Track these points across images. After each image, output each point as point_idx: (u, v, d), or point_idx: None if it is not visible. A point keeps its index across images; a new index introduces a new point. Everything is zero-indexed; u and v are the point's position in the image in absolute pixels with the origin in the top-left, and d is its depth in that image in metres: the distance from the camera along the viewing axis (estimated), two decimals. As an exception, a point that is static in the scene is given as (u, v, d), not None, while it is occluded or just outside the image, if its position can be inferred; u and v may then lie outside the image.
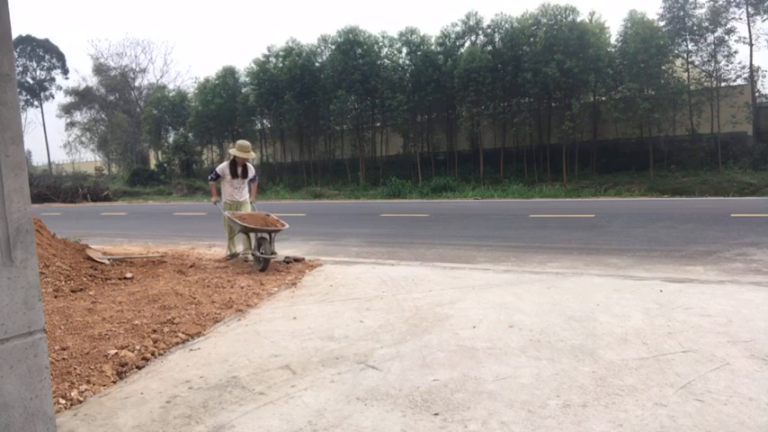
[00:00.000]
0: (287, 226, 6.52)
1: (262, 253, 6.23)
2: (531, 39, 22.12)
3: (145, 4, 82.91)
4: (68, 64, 45.17)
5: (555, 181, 22.04)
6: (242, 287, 5.41)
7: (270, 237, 6.33)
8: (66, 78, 46.01)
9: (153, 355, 3.57)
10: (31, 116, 70.25)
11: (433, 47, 24.61)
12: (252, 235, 6.64)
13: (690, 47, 21.54)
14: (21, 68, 42.56)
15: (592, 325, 3.81)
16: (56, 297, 4.90)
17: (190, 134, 33.09)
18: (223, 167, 7.14)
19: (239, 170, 7.12)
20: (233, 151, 7.15)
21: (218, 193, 7.50)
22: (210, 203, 7.44)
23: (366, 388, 2.88)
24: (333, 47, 26.27)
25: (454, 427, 2.41)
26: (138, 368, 3.36)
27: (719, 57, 21.18)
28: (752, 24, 21.13)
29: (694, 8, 21.08)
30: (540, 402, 2.62)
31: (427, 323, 4.01)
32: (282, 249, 8.47)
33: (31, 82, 43.64)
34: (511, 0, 30.85)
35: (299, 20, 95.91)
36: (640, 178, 20.43)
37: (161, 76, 44.24)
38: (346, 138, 28.49)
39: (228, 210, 7.07)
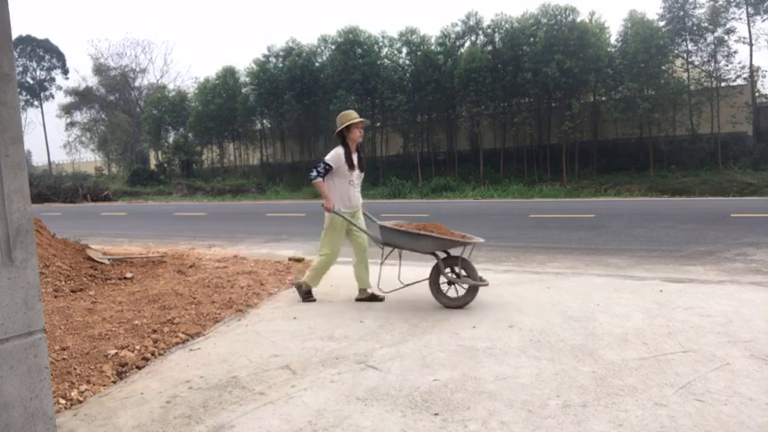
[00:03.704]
0: (480, 240, 4.51)
1: (466, 277, 4.43)
2: (531, 39, 22.11)
3: (145, 4, 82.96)
4: (68, 64, 45.30)
5: (555, 181, 22.03)
6: (242, 287, 5.40)
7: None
8: (66, 78, 46.12)
9: (153, 355, 3.57)
10: (31, 116, 70.40)
11: (433, 47, 24.61)
12: (436, 254, 4.54)
13: (690, 47, 21.54)
14: (21, 68, 42.58)
15: (592, 325, 3.81)
16: (56, 297, 4.90)
17: (190, 134, 33.11)
18: (337, 156, 4.74)
19: (355, 157, 4.87)
20: (347, 120, 4.75)
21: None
22: (318, 209, 5.12)
23: (366, 388, 2.88)
24: (333, 47, 26.27)
25: (454, 427, 2.41)
26: (138, 368, 3.36)
27: (719, 57, 21.17)
28: (752, 24, 21.14)
29: (694, 8, 21.08)
30: (540, 402, 2.62)
31: (427, 323, 4.01)
32: (282, 249, 8.48)
33: (31, 82, 43.66)
34: (511, 0, 30.85)
35: (299, 20, 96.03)
36: (640, 178, 20.42)
37: (161, 76, 44.35)
38: (346, 138, 28.45)
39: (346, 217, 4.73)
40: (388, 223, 4.66)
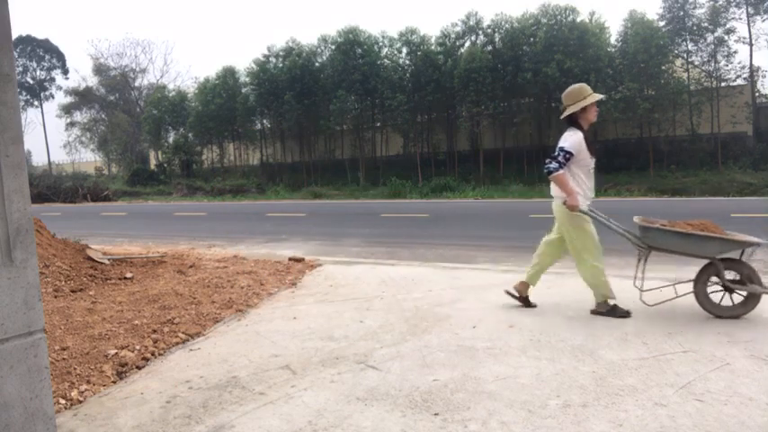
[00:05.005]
0: (754, 238, 3.92)
1: (752, 283, 3.79)
2: (531, 39, 22.13)
3: (145, 4, 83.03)
4: (68, 64, 45.30)
5: (555, 181, 22.02)
6: (242, 287, 5.40)
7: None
8: (66, 78, 46.10)
9: (153, 355, 3.57)
10: (31, 116, 70.28)
11: (433, 47, 24.62)
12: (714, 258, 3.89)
13: (690, 47, 21.55)
14: (21, 68, 42.58)
15: (592, 325, 3.81)
16: (56, 297, 4.90)
17: (190, 134, 33.13)
18: (578, 141, 4.01)
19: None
20: (583, 96, 4.09)
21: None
22: (565, 209, 4.07)
23: (366, 388, 2.87)
24: (333, 47, 26.28)
25: (454, 427, 2.41)
26: (138, 368, 3.36)
27: (719, 57, 21.19)
28: (752, 24, 21.14)
29: (694, 8, 21.09)
30: (540, 402, 2.62)
31: (427, 323, 4.01)
32: (282, 249, 8.48)
33: (31, 82, 43.66)
34: (511, 0, 30.86)
35: (299, 20, 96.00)
36: (640, 178, 20.42)
37: (161, 76, 44.26)
38: (346, 138, 28.50)
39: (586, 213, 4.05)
40: (644, 221, 4.07)
